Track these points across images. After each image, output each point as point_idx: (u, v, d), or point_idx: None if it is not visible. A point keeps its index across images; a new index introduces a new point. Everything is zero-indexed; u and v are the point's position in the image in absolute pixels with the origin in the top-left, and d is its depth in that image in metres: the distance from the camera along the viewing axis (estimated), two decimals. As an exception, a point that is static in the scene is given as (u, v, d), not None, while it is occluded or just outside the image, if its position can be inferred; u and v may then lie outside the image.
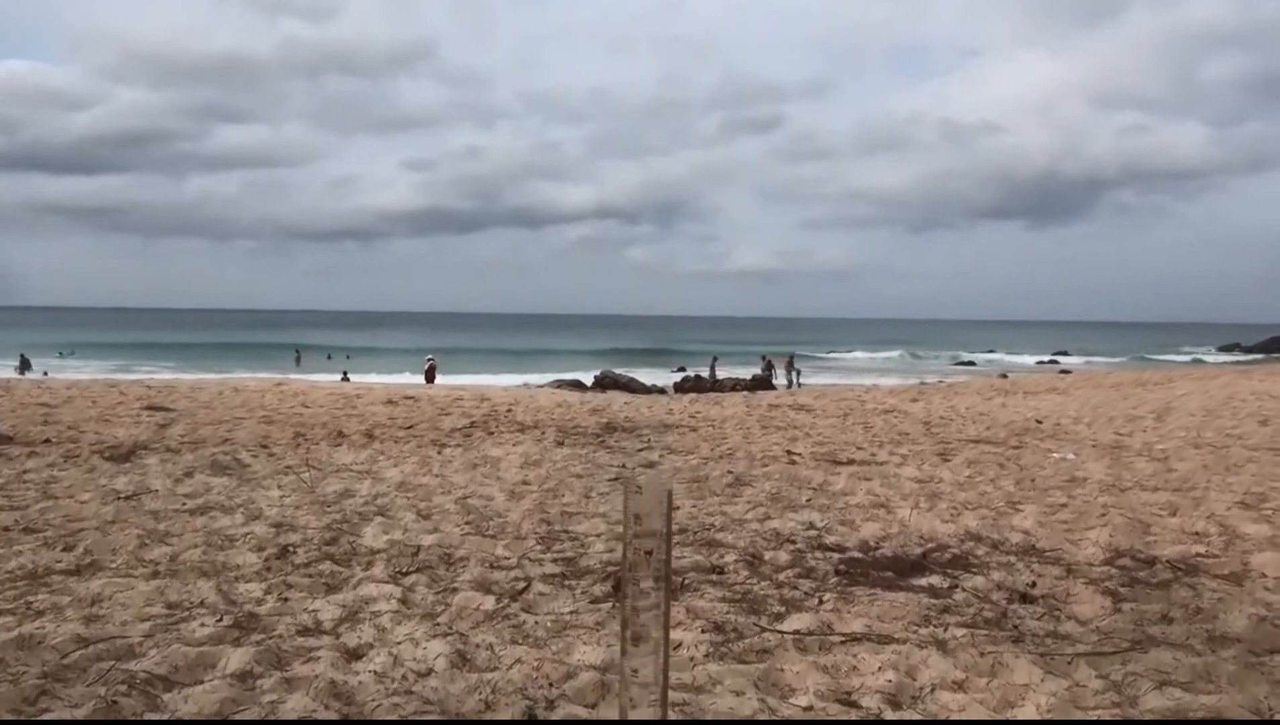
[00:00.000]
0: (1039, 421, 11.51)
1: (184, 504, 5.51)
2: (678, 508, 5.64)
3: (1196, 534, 5.00)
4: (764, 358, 41.89)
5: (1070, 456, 8.31)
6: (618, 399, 15.99)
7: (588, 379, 39.17)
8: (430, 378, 31.69)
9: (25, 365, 35.78)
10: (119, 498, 5.62)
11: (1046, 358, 73.15)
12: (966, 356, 74.04)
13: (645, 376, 44.87)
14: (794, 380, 33.66)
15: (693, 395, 19.72)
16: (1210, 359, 63.93)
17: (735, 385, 35.53)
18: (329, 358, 53.26)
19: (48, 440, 8.38)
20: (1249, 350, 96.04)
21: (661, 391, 36.07)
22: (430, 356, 34.61)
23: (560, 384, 32.65)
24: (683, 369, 51.06)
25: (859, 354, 70.50)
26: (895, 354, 68.23)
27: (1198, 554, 4.46)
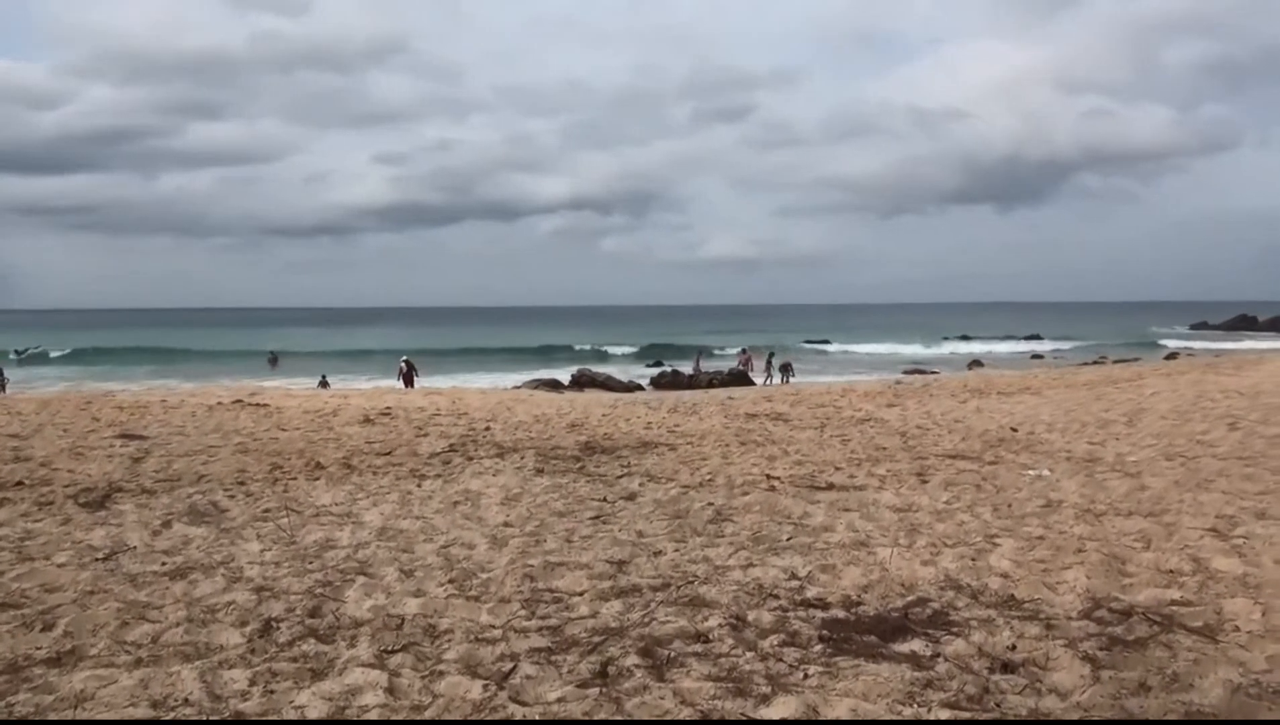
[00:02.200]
0: (1014, 429, 11.64)
1: (163, 564, 5.47)
2: (660, 553, 5.67)
3: (1170, 573, 5.08)
4: (743, 351, 42.13)
5: (1045, 473, 8.43)
6: (595, 408, 15.98)
7: (565, 377, 39.21)
8: (409, 382, 31.54)
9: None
10: (96, 558, 5.56)
11: (1021, 343, 73.81)
12: (943, 344, 74.54)
13: (622, 370, 45.01)
14: (785, 378, 33.99)
15: (672, 398, 19.76)
16: (1175, 344, 64.63)
17: (711, 381, 35.71)
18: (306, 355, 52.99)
19: (20, 482, 8.28)
20: (1216, 328, 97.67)
21: (639, 387, 36.18)
22: (404, 357, 34.43)
23: (537, 384, 32.64)
24: (659, 363, 51.20)
25: (888, 347, 68.57)
26: (913, 349, 66.52)
27: (1172, 601, 4.54)
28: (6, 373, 36.35)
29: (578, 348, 63.55)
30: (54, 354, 59.35)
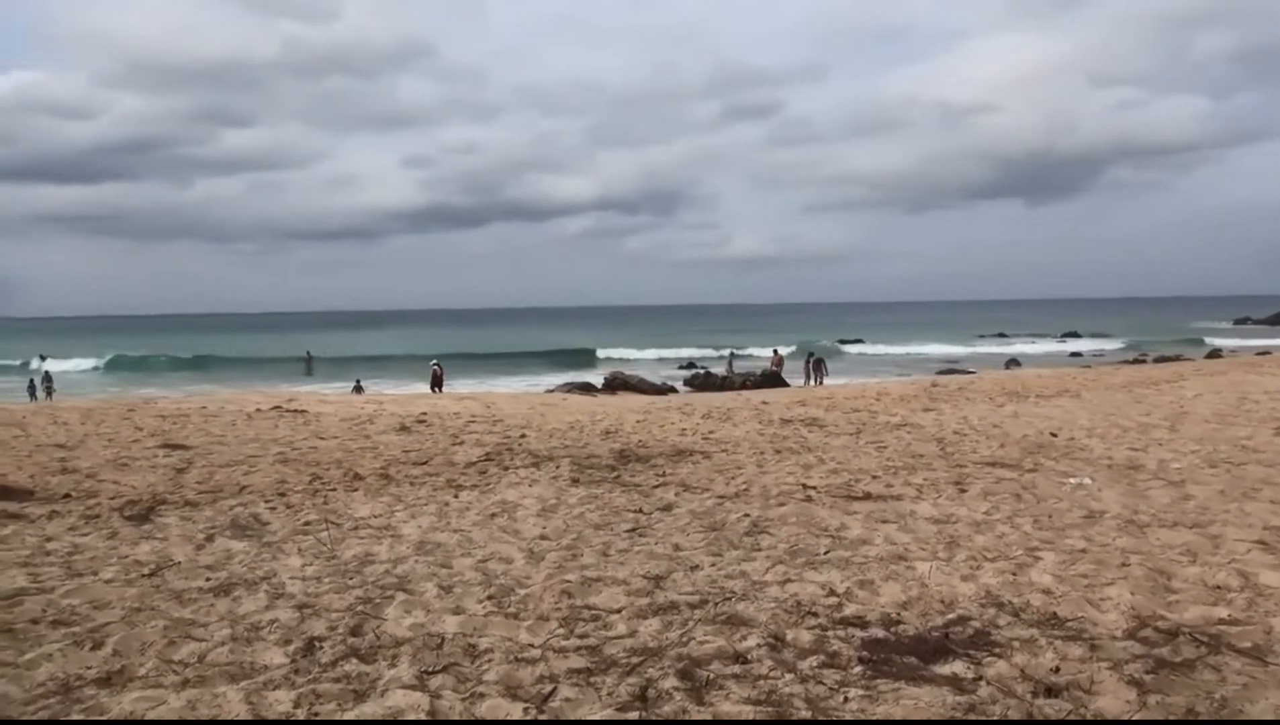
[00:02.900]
0: (1053, 435, 11.50)
1: (207, 580, 5.55)
2: (697, 568, 5.67)
3: (1217, 588, 5.00)
4: (775, 352, 42.12)
5: (1086, 481, 8.32)
6: (629, 414, 16.00)
7: (596, 378, 39.40)
8: (437, 385, 31.87)
9: (47, 381, 35.84)
10: (142, 574, 5.66)
11: (1057, 343, 72.65)
12: (978, 343, 73.78)
13: (653, 371, 45.13)
14: (818, 378, 34.02)
15: (705, 403, 19.72)
16: (1217, 341, 63.30)
17: (745, 382, 35.68)
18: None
19: (67, 495, 8.44)
20: (1261, 323, 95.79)
21: (672, 389, 36.24)
22: (435, 362, 34.81)
23: (571, 388, 32.81)
24: (691, 364, 51.24)
25: (921, 347, 66.75)
26: (947, 349, 64.52)
27: (1220, 620, 4.46)
28: (54, 380, 37.12)
29: (607, 352, 63.39)
30: (92, 364, 59.75)
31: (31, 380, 35.32)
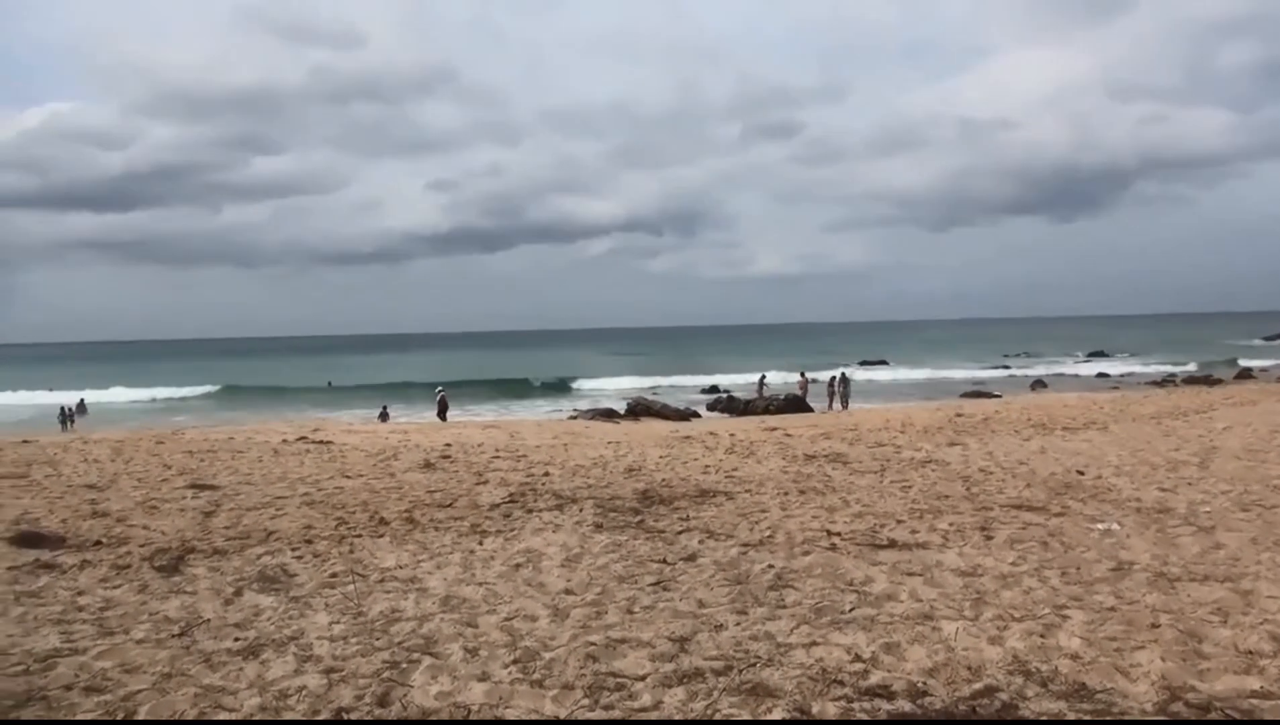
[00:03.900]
0: (1080, 473, 11.40)
1: (235, 640, 5.61)
2: (721, 627, 5.66)
3: (1249, 653, 4.94)
4: (801, 374, 42.06)
5: (1114, 527, 8.24)
6: (652, 449, 16.00)
7: (620, 405, 39.53)
8: (442, 412, 32.30)
9: (80, 409, 36.37)
10: (172, 634, 5.73)
11: (1085, 364, 71.74)
12: (1004, 363, 73.26)
13: (678, 396, 45.25)
14: (842, 403, 33.97)
15: (728, 431, 19.70)
16: (1252, 362, 62.28)
17: (769, 406, 35.63)
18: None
19: (99, 542, 8.56)
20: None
21: (695, 415, 36.25)
22: (440, 388, 35.21)
23: (594, 415, 32.89)
24: (715, 388, 51.27)
25: (946, 371, 64.48)
26: (973, 372, 62.51)
27: (1252, 692, 4.41)
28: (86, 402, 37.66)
29: (631, 379, 62.85)
30: (149, 396, 59.64)
31: (62, 408, 35.83)
